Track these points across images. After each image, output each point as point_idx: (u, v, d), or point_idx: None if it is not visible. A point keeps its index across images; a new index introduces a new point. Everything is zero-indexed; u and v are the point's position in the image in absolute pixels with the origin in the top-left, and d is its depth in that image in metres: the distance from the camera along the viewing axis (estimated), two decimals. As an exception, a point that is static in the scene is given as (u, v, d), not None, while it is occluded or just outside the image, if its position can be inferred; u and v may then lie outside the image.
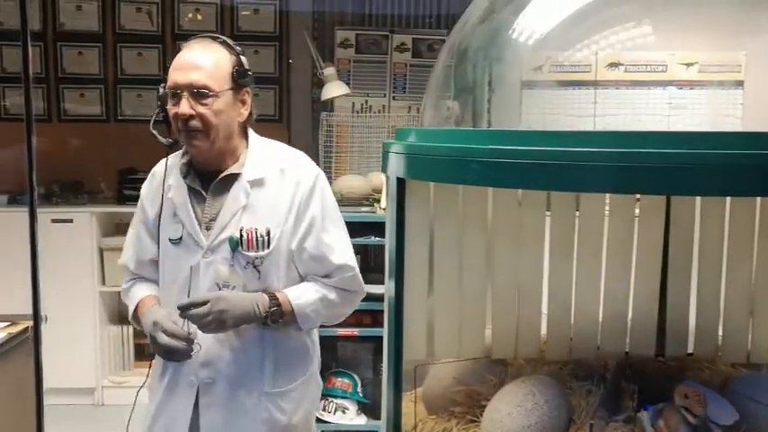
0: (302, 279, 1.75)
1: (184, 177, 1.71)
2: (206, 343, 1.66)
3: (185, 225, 1.70)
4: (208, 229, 1.69)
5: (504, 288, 1.37)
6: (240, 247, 1.67)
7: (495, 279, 1.37)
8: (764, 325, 1.36)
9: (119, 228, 3.99)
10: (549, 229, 1.36)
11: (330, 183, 3.87)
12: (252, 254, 1.68)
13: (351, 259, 1.77)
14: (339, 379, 3.73)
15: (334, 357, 3.88)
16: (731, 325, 1.37)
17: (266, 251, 1.69)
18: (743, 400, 1.27)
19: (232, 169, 1.70)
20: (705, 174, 0.93)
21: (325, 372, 3.78)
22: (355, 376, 3.71)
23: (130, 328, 4.01)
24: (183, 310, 1.59)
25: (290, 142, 4.43)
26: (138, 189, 1.86)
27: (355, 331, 3.53)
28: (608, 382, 1.37)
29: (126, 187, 3.88)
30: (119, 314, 4.11)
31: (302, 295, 1.73)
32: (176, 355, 1.62)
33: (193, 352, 1.62)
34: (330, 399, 3.68)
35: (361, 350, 3.75)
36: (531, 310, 1.38)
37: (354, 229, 3.40)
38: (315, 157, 3.92)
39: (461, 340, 1.39)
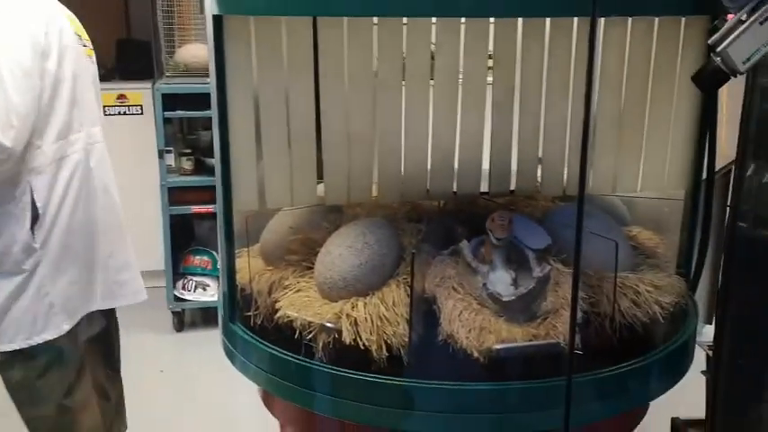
0: None
1: None
2: None
3: None
4: None
5: (334, 133, 1.34)
6: None
7: (325, 124, 1.34)
8: (578, 160, 1.43)
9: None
10: (377, 69, 1.33)
11: (173, 53, 3.64)
12: None
13: None
14: (197, 257, 3.69)
15: (191, 236, 3.81)
16: (549, 162, 1.44)
17: None
18: (557, 227, 1.36)
19: None
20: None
21: (183, 250, 3.72)
22: (214, 253, 3.68)
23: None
24: None
25: (126, 9, 4.07)
26: None
27: (210, 208, 3.46)
28: (435, 221, 1.42)
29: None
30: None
31: None
32: None
33: None
34: (189, 277, 3.64)
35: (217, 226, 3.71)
36: (363, 155, 1.37)
37: (201, 100, 3.27)
38: (153, 25, 3.66)
39: (293, 189, 1.37)
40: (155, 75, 3.87)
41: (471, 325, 1.19)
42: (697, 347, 1.50)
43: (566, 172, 1.46)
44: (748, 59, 1.08)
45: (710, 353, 1.76)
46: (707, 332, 2.21)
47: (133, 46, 4.04)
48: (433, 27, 1.32)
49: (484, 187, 1.43)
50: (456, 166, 1.41)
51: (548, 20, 1.34)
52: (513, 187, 1.45)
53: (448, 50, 1.34)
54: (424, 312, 1.27)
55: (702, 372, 1.88)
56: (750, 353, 1.77)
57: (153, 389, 3.11)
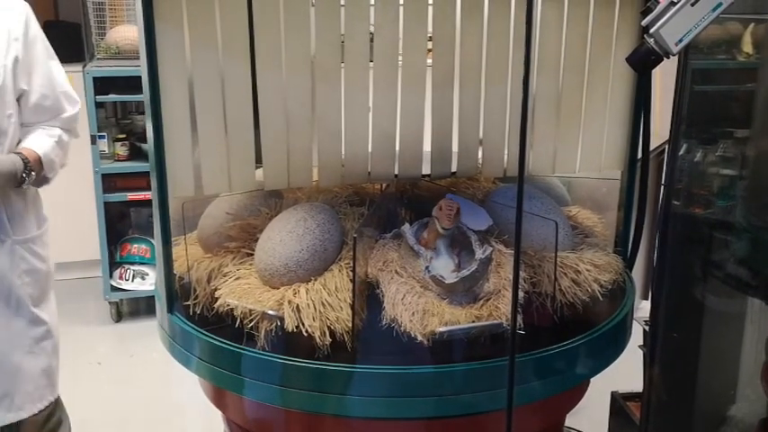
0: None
1: None
2: None
3: None
4: None
5: (272, 116, 1.31)
6: None
7: (262, 107, 1.30)
8: (518, 142, 1.44)
9: None
10: (314, 50, 1.30)
11: (104, 35, 3.51)
12: None
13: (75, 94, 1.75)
14: (135, 245, 3.59)
15: (128, 224, 3.71)
16: (490, 144, 1.44)
17: None
18: (498, 207, 1.37)
19: None
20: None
21: (120, 239, 3.62)
22: (152, 241, 3.59)
23: None
24: None
25: (57, -8, 3.86)
26: None
27: (147, 194, 3.36)
28: (377, 204, 1.41)
29: None
30: None
31: (41, 143, 1.67)
32: None
33: None
34: (127, 266, 3.55)
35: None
36: (302, 139, 1.35)
37: (134, 84, 3.16)
38: (83, 5, 3.51)
39: (231, 174, 1.33)
40: (85, 58, 3.72)
41: (414, 308, 1.19)
42: (634, 323, 1.53)
43: (506, 153, 1.46)
44: (680, 41, 1.10)
45: (647, 327, 1.82)
46: (644, 307, 2.28)
47: (62, 28, 3.88)
48: (372, 9, 1.31)
49: (425, 169, 1.42)
50: (397, 148, 1.40)
51: (486, 0, 1.34)
52: (454, 169, 1.45)
53: (387, 32, 1.32)
54: (368, 297, 1.26)
55: (640, 346, 1.94)
56: (684, 326, 1.83)
57: (91, 382, 3.02)
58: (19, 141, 1.69)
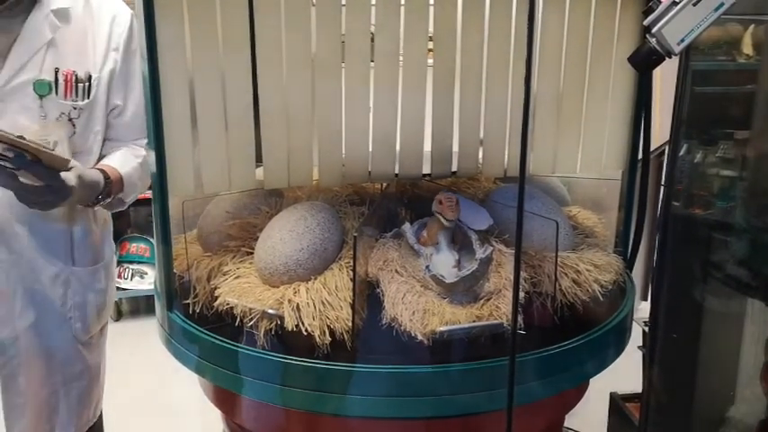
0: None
1: None
2: None
3: None
4: None
5: (273, 115, 1.31)
6: (54, 93, 1.44)
7: (263, 105, 1.30)
8: (519, 141, 1.44)
9: None
10: (314, 48, 1.30)
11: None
12: (69, 102, 1.46)
13: None
14: (134, 244, 3.60)
15: (128, 222, 3.71)
16: (490, 143, 1.44)
17: (86, 101, 1.48)
18: (499, 207, 1.37)
19: None
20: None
21: (119, 238, 3.61)
22: (151, 240, 3.59)
23: None
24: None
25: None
26: None
27: (147, 194, 3.36)
28: (377, 203, 1.41)
29: None
30: None
31: (125, 162, 1.56)
32: None
33: None
34: (126, 265, 3.55)
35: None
36: (303, 138, 1.35)
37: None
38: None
39: (231, 173, 1.33)
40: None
41: (415, 307, 1.19)
42: (634, 323, 1.53)
43: (506, 153, 1.46)
44: (682, 40, 1.10)
45: (647, 328, 1.82)
46: (643, 308, 2.29)
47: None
48: (373, 8, 1.30)
49: (426, 169, 1.42)
50: (397, 148, 1.40)
51: (487, 0, 1.34)
52: (454, 168, 1.45)
53: (388, 32, 1.32)
54: (368, 296, 1.26)
55: (639, 347, 1.94)
56: (684, 327, 1.83)
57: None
58: (100, 158, 1.58)
